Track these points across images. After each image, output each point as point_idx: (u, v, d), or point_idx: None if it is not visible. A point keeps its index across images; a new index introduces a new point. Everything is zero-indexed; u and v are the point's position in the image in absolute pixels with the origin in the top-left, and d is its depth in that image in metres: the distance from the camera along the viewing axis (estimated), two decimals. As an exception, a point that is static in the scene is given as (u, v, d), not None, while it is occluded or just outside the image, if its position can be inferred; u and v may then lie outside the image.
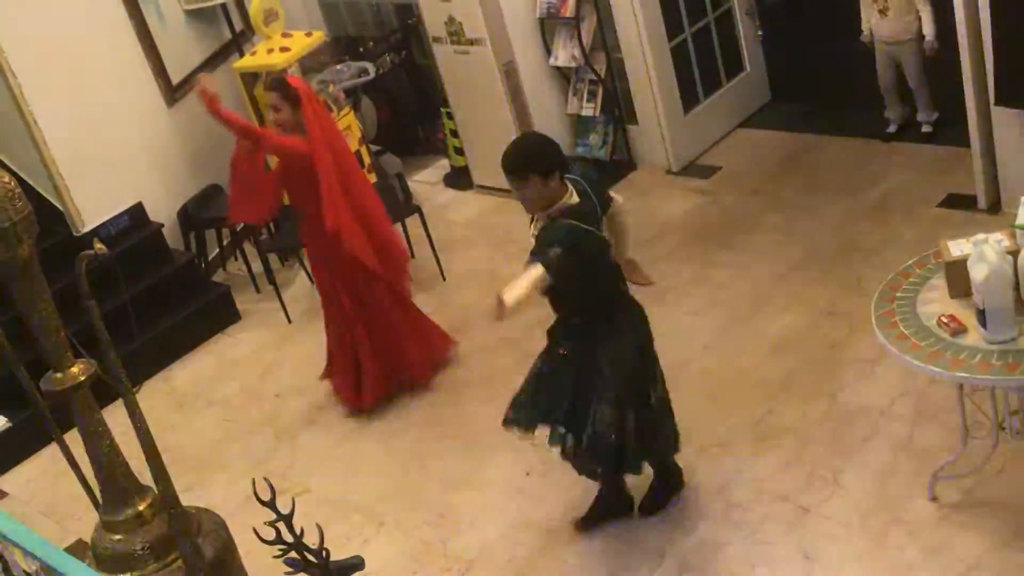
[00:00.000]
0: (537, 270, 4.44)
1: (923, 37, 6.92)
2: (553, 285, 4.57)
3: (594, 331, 4.83)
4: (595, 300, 4.85)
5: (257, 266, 7.97)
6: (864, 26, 7.14)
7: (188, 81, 8.19)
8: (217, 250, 8.36)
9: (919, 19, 6.91)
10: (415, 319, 6.49)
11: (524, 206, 4.73)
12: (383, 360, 6.34)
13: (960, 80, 6.27)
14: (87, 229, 7.42)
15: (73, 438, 4.40)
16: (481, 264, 6.70)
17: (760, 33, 8.17)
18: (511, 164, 4.64)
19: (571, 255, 4.51)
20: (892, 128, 7.44)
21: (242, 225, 8.12)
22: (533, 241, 4.69)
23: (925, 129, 7.36)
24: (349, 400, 6.46)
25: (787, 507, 4.98)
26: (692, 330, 6.16)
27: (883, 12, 6.98)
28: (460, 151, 8.46)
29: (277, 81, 6.11)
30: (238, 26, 8.48)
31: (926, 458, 4.93)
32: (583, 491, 5.39)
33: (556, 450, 4.92)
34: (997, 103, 6.10)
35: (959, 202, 6.62)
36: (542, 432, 4.93)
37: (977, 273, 4.09)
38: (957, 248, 4.37)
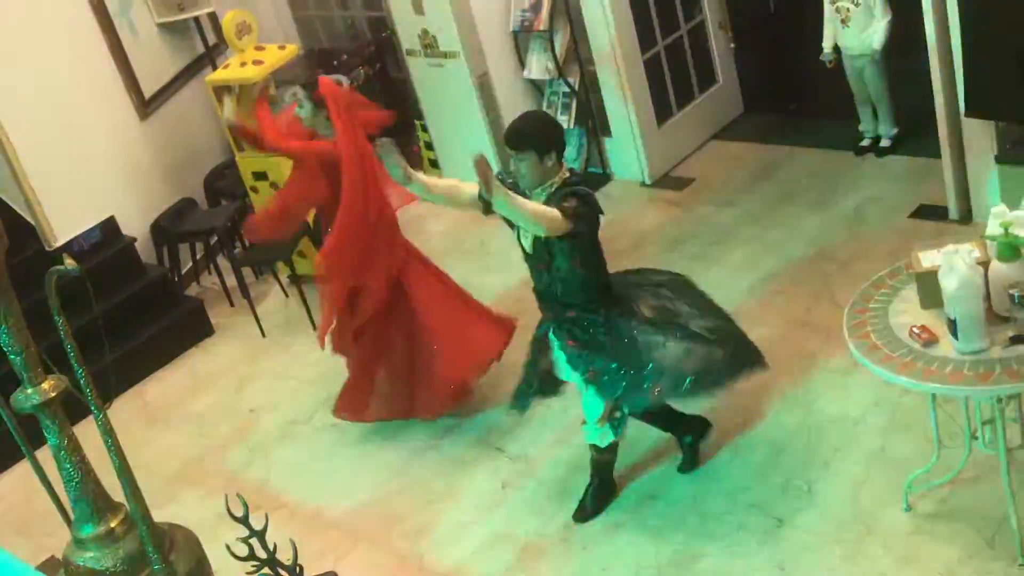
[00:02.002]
0: (550, 211, 4.57)
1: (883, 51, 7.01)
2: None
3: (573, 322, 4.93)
4: (587, 286, 4.88)
5: (231, 280, 7.94)
6: (825, 43, 7.19)
7: (161, 94, 8.18)
8: (190, 264, 8.34)
9: (877, 33, 6.98)
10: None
11: (519, 180, 4.82)
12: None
13: (931, 90, 6.32)
14: (59, 243, 7.39)
15: (44, 454, 4.38)
16: (456, 274, 6.68)
17: (733, 45, 8.22)
18: (511, 138, 4.79)
19: (588, 210, 4.68)
20: (865, 140, 7.49)
21: (216, 239, 8.11)
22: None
23: (883, 144, 7.42)
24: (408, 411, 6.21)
25: (762, 518, 5.00)
26: (667, 342, 6.18)
27: (844, 22, 7.04)
28: (435, 163, 8.48)
29: (305, 80, 6.03)
30: (211, 39, 8.47)
31: (899, 468, 4.95)
32: (559, 503, 5.41)
33: None
34: (967, 114, 6.14)
35: (931, 213, 6.67)
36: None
37: (948, 284, 4.11)
38: (928, 259, 4.39)
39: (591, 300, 4.90)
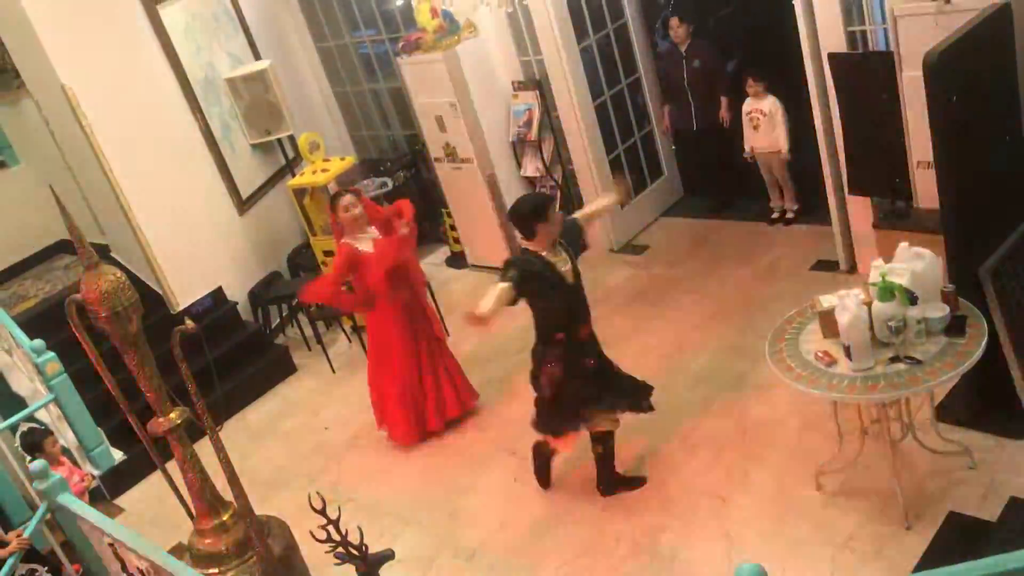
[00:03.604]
0: (499, 285, 4.62)
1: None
2: (527, 304, 4.74)
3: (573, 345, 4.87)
4: (564, 320, 4.82)
5: (308, 331, 7.92)
6: (746, 145, 7.20)
7: (254, 196, 8.23)
8: (278, 320, 8.33)
9: (781, 137, 7.00)
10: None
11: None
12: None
13: (822, 175, 6.33)
14: (180, 308, 7.40)
15: (172, 466, 4.34)
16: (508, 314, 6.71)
17: (673, 147, 8.24)
18: (512, 218, 4.86)
19: (528, 277, 4.67)
20: (775, 214, 7.49)
21: (297, 301, 8.09)
22: (564, 271, 4.83)
23: (788, 216, 7.40)
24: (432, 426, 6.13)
25: (710, 498, 4.94)
26: (634, 368, 6.06)
27: (756, 128, 7.06)
28: (457, 240, 8.49)
29: (355, 190, 6.01)
30: (290, 154, 8.53)
31: (811, 457, 4.90)
32: (557, 490, 5.34)
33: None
34: (850, 192, 6.16)
35: (826, 266, 6.63)
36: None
37: (842, 319, 4.10)
38: (827, 301, 4.38)
39: (541, 336, 4.88)
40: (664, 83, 7.83)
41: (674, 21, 7.38)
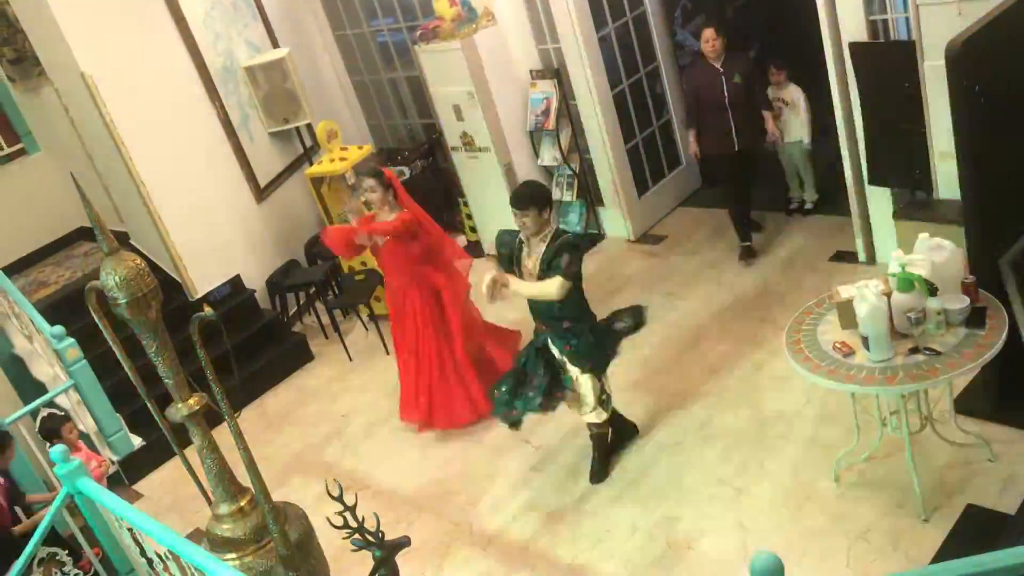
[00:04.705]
0: (554, 282, 4.73)
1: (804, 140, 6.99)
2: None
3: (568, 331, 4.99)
4: (577, 303, 4.94)
5: (325, 319, 7.95)
6: (769, 129, 7.13)
7: (272, 184, 8.25)
8: (295, 308, 8.36)
9: (802, 126, 6.95)
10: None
11: (522, 231, 4.95)
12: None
13: (842, 166, 6.30)
14: (199, 295, 7.44)
15: (191, 452, 4.37)
16: (491, 311, 6.70)
17: (694, 151, 8.17)
18: (518, 200, 4.91)
19: (578, 252, 4.80)
20: (794, 204, 7.45)
21: (314, 289, 8.13)
22: (529, 261, 4.94)
23: (807, 207, 7.35)
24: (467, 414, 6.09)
25: (726, 489, 4.94)
26: (651, 357, 6.14)
27: (776, 118, 7.00)
28: (473, 229, 8.49)
29: (375, 171, 5.95)
30: (308, 143, 8.54)
31: (829, 449, 4.89)
32: (573, 481, 5.35)
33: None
34: (870, 183, 6.12)
35: (845, 257, 6.60)
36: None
37: (861, 310, 4.08)
38: (845, 291, 4.36)
39: (580, 315, 4.96)
40: (695, 104, 6.81)
41: (709, 33, 6.50)
